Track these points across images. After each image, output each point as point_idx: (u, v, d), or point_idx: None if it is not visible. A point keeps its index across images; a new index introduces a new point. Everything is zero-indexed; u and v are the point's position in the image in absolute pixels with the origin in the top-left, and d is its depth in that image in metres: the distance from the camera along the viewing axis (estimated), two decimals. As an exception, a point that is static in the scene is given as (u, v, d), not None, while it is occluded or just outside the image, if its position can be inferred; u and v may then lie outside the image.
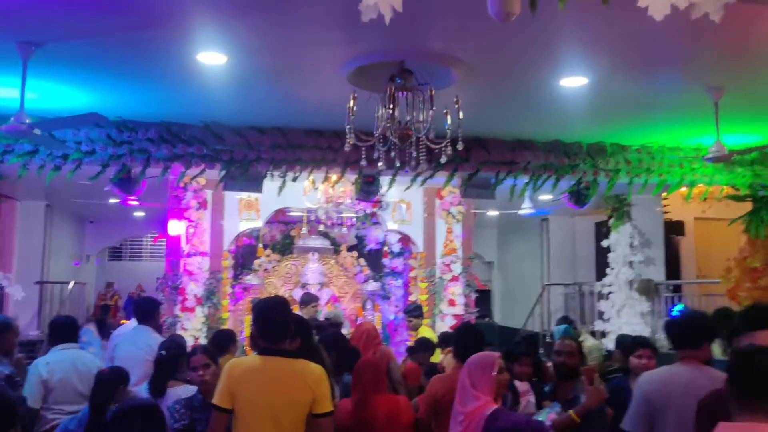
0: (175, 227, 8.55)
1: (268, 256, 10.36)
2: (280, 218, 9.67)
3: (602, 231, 11.95)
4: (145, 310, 5.55)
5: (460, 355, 4.48)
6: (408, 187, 6.48)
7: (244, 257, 10.54)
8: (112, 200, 7.46)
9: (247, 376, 3.36)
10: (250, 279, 10.06)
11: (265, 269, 10.38)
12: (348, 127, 4.25)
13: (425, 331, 7.44)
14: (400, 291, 10.68)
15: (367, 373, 4.39)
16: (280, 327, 3.47)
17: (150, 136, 5.98)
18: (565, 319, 7.44)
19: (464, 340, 4.52)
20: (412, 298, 9.21)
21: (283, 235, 10.51)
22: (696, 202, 11.75)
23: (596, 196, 7.06)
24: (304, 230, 8.91)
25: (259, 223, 8.77)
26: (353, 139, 4.21)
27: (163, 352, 4.26)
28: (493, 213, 11.84)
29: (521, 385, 4.41)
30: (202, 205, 8.57)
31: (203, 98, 5.61)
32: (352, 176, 6.74)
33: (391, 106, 4.21)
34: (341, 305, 10.30)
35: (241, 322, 9.90)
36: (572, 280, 11.81)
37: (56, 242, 11.53)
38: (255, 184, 6.31)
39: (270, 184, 8.83)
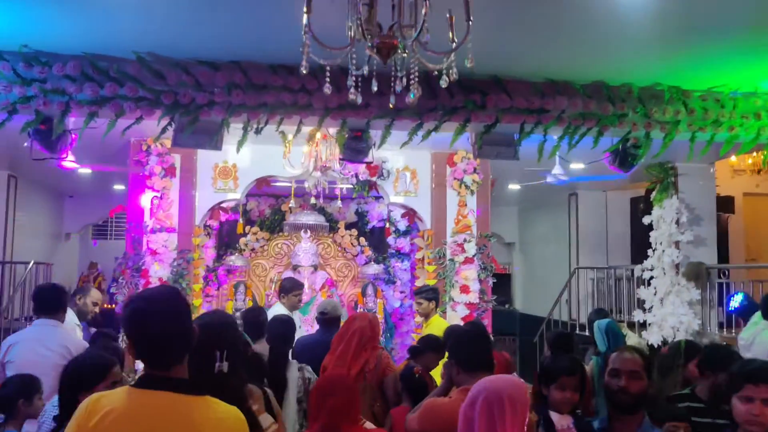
0: (140, 198, 7.13)
1: (255, 233, 8.90)
2: (266, 189, 8.20)
3: (639, 207, 10.37)
4: (51, 301, 4.13)
5: (465, 371, 3.03)
6: (405, 143, 4.94)
7: (229, 235, 9.10)
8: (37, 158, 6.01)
9: (104, 425, 1.92)
10: (233, 260, 8.63)
11: (252, 249, 8.94)
12: (305, 44, 2.64)
13: (437, 323, 5.97)
14: (406, 275, 9.20)
15: (339, 394, 2.98)
16: (161, 341, 2.03)
17: (68, 73, 4.52)
18: (600, 312, 5.91)
19: (470, 348, 3.07)
20: (419, 283, 7.72)
21: (273, 210, 9.04)
22: (747, 175, 10.16)
23: (644, 158, 5.48)
24: (293, 203, 7.45)
25: (236, 194, 7.31)
26: (307, 67, 2.62)
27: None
28: (514, 187, 10.28)
29: (560, 420, 2.90)
30: (169, 171, 7.13)
31: (138, 23, 4.16)
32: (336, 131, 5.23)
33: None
34: (338, 291, 8.84)
35: (223, 309, 8.47)
36: (604, 263, 10.24)
37: (27, 218, 10.18)
38: (209, 138, 4.84)
39: (251, 147, 7.40)
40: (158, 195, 7.10)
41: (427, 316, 6.07)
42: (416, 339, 6.04)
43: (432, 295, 6.09)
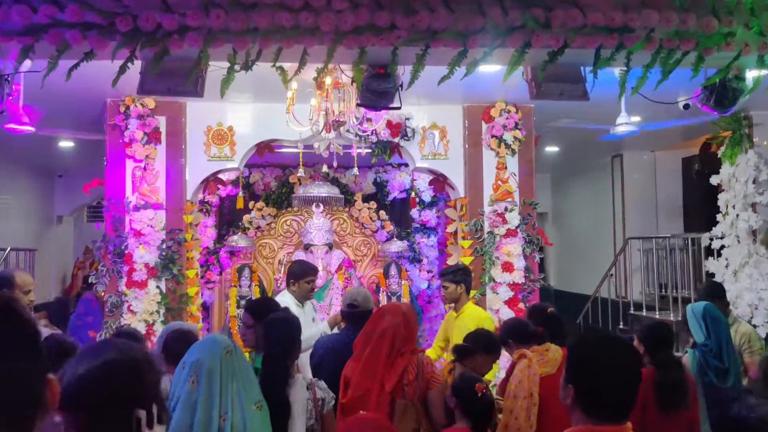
0: (119, 170, 5.92)
1: (260, 209, 7.70)
2: (270, 158, 6.98)
3: (693, 168, 9.05)
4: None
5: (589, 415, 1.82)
6: (444, 78, 3.66)
7: (231, 212, 7.91)
8: None
9: None
10: (236, 240, 7.43)
11: (258, 227, 7.74)
12: None
13: (471, 314, 4.74)
14: (433, 251, 7.98)
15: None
16: None
17: (-12, -8, 3.29)
18: (714, 290, 4.64)
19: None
20: (452, 261, 6.50)
21: (280, 182, 7.82)
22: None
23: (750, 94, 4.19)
24: (301, 172, 6.22)
25: (234, 163, 6.08)
26: None
27: None
28: (551, 149, 8.98)
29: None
30: (153, 137, 5.91)
31: None
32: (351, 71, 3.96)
33: None
34: (357, 272, 7.63)
35: (226, 296, 7.31)
36: (652, 232, 8.95)
37: (9, 200, 9.03)
38: (184, 80, 3.59)
39: (249, 105, 6.16)
40: (141, 165, 5.89)
41: (456, 302, 4.83)
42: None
43: (460, 277, 4.79)
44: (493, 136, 6.19)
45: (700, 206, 8.96)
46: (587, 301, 9.01)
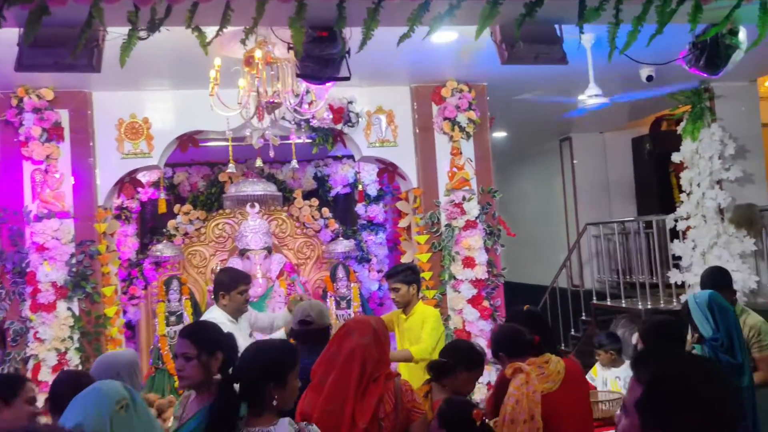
0: (16, 174, 4.99)
1: (187, 213, 6.83)
2: (195, 155, 6.14)
3: (643, 149, 8.67)
4: None
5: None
6: (404, 37, 2.97)
7: (155, 218, 7.00)
8: None
9: None
10: (160, 249, 6.54)
11: (186, 234, 6.87)
12: None
13: (422, 313, 4.17)
14: (382, 249, 7.30)
15: None
16: None
17: None
18: (719, 277, 4.09)
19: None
20: (405, 259, 5.83)
21: (208, 182, 6.97)
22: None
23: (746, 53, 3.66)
24: (231, 168, 5.40)
25: (152, 160, 5.23)
26: None
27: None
28: (498, 134, 8.43)
29: None
30: (54, 133, 4.99)
31: None
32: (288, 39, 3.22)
33: None
34: (300, 277, 6.86)
35: (153, 313, 6.43)
36: (607, 216, 8.53)
37: None
38: (72, 50, 2.78)
39: (168, 92, 5.32)
40: (41, 167, 4.98)
41: (407, 306, 4.23)
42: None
43: (411, 276, 4.24)
44: (445, 119, 5.54)
45: (654, 187, 8.60)
46: (543, 292, 8.51)
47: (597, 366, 4.97)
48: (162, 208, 5.67)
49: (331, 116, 5.35)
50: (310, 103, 5.17)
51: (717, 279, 3.98)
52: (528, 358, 2.98)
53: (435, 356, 4.15)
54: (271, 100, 4.05)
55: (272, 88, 4.07)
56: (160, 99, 5.23)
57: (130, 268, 6.72)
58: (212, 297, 6.47)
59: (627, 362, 4.85)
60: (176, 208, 6.80)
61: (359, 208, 7.25)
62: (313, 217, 7.04)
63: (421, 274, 5.47)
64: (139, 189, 6.23)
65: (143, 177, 6.80)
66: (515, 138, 8.80)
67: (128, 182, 5.32)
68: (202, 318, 4.04)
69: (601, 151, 8.88)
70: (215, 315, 3.93)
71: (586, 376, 5.06)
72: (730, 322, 3.46)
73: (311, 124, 5.38)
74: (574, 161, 8.84)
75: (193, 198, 6.86)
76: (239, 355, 2.59)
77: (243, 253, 6.52)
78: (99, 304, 4.99)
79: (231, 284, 3.97)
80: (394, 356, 3.97)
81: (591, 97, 4.57)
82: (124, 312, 6.63)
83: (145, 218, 7.00)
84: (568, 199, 8.98)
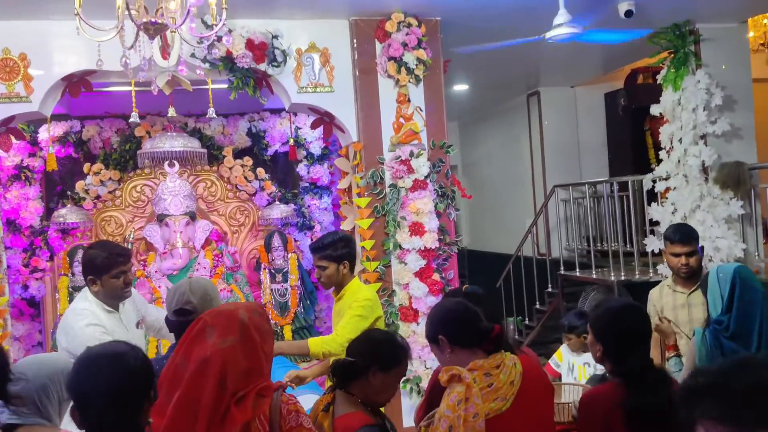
0: None
1: (98, 173, 5.86)
2: (107, 106, 5.16)
3: (617, 105, 7.86)
4: None
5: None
6: None
7: (65, 179, 6.03)
8: None
9: None
10: (64, 215, 5.59)
11: (98, 197, 5.91)
12: None
13: (353, 294, 3.26)
14: (327, 215, 6.42)
15: None
16: None
17: None
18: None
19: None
20: (345, 226, 4.95)
21: (123, 137, 5.98)
22: (756, 54, 7.72)
23: None
24: (134, 117, 4.44)
25: (31, 105, 4.24)
26: None
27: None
28: (459, 88, 7.53)
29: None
30: None
31: None
32: None
33: None
34: (229, 247, 5.96)
35: (55, 292, 5.51)
36: (576, 178, 7.74)
37: None
38: None
39: (48, 25, 4.31)
40: None
41: (338, 287, 3.31)
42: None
43: (341, 251, 3.24)
44: (390, 59, 4.62)
45: (628, 147, 7.82)
46: (507, 261, 7.72)
47: (563, 349, 4.18)
48: (51, 164, 4.68)
49: (251, 54, 4.40)
50: (220, 39, 4.22)
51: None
52: (477, 352, 2.14)
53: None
54: (153, 20, 3.10)
55: (157, 3, 3.12)
56: (42, 31, 4.22)
57: (33, 237, 5.77)
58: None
59: (599, 346, 4.07)
60: (85, 167, 5.84)
61: (301, 168, 6.34)
62: (246, 178, 6.13)
63: (362, 243, 4.62)
64: (47, 145, 5.23)
65: (46, 131, 5.84)
66: (478, 92, 7.93)
67: (3, 133, 4.32)
68: (69, 308, 3.12)
69: (572, 108, 8.04)
70: (84, 306, 3.02)
71: (550, 361, 4.26)
72: (754, 304, 2.65)
73: (236, 63, 4.42)
74: (543, 119, 7.99)
75: (104, 156, 5.88)
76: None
77: (161, 219, 5.60)
78: (-34, 281, 4.05)
79: (102, 267, 3.02)
80: (283, 348, 3.11)
81: (560, 26, 3.68)
82: (26, 287, 5.70)
83: (52, 179, 6.01)
84: (535, 159, 8.15)
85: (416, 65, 4.65)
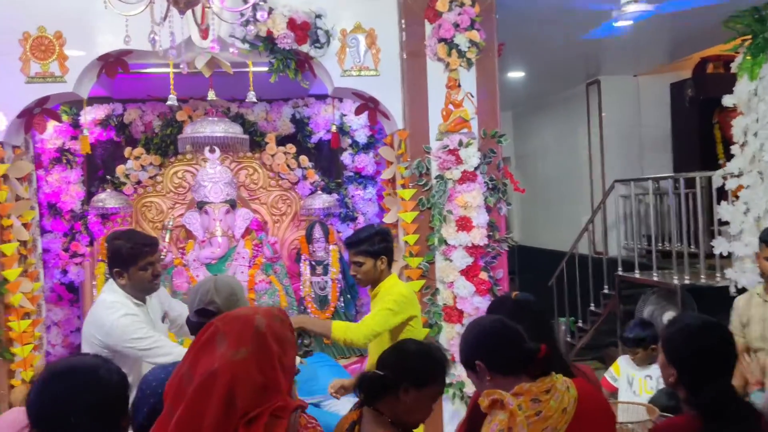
0: None
1: (138, 157, 5.73)
2: (149, 89, 5.00)
3: (684, 96, 7.35)
4: None
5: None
6: None
7: (106, 162, 5.92)
8: None
9: None
10: (103, 200, 5.48)
11: (138, 182, 5.78)
12: None
13: (387, 290, 3.01)
14: (372, 206, 6.14)
15: None
16: None
17: None
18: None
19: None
20: (388, 219, 4.67)
21: (164, 121, 5.83)
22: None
23: None
24: (172, 100, 4.27)
25: (66, 86, 4.08)
26: None
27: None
28: (515, 75, 7.15)
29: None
30: (-64, 49, 3.88)
31: None
32: None
33: None
34: (269, 237, 5.76)
35: (92, 279, 5.40)
36: (638, 173, 7.27)
37: None
38: None
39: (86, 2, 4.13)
40: None
41: (375, 284, 3.07)
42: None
43: (379, 246, 3.02)
44: (440, 40, 4.31)
45: (694, 140, 7.31)
46: (561, 259, 7.33)
47: (621, 361, 3.82)
48: (85, 148, 4.53)
49: (292, 35, 4.15)
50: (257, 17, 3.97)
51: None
52: (522, 378, 1.84)
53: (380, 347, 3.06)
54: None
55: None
56: (78, 8, 4.06)
57: (73, 221, 5.68)
58: (162, 257, 5.45)
59: (662, 357, 3.70)
60: (126, 151, 5.70)
61: (345, 157, 6.08)
62: (289, 166, 5.90)
63: (405, 237, 4.33)
64: (86, 126, 5.11)
65: (89, 114, 5.73)
66: (533, 80, 7.53)
67: (40, 113, 4.18)
68: (97, 301, 2.94)
69: (634, 98, 7.56)
70: (114, 299, 2.85)
71: (606, 375, 3.89)
72: None
73: (276, 44, 4.17)
74: (603, 109, 7.53)
75: (146, 140, 5.74)
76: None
77: (201, 206, 5.43)
78: (-6, 266, 3.93)
79: (128, 258, 2.83)
80: (305, 323, 2.85)
81: (629, 3, 3.30)
82: (65, 272, 5.62)
83: (95, 163, 5.90)
84: (593, 153, 7.71)
85: (468, 48, 4.32)
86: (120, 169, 5.65)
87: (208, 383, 1.56)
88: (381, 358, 2.04)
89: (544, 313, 2.29)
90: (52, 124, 5.63)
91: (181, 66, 3.14)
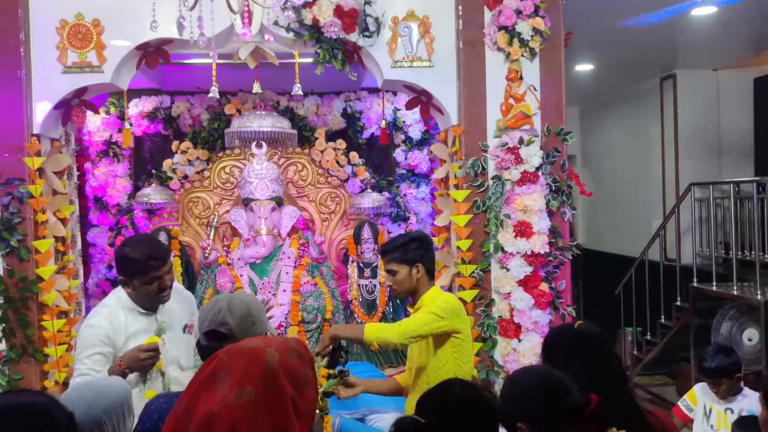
0: None
1: (185, 152, 5.54)
2: (198, 81, 4.79)
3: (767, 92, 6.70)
4: None
5: None
6: None
7: (154, 156, 5.77)
8: None
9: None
10: (148, 195, 5.31)
11: (185, 176, 5.60)
12: None
13: (437, 298, 2.70)
14: (425, 206, 5.80)
15: None
16: None
17: None
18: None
19: None
20: (440, 221, 4.31)
21: (212, 115, 5.62)
22: None
23: None
24: (214, 92, 4.02)
25: (104, 76, 3.88)
26: None
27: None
28: (583, 68, 6.66)
29: None
30: (-27, 38, 3.74)
31: None
32: None
33: None
34: (316, 236, 5.48)
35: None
36: (715, 176, 6.68)
37: None
38: None
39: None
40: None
41: (414, 295, 2.74)
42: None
43: (416, 252, 2.71)
44: (500, 28, 3.92)
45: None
46: (628, 266, 6.80)
47: (698, 389, 3.37)
48: (127, 141, 4.35)
49: (339, 23, 3.84)
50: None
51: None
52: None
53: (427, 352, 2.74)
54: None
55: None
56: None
57: (119, 216, 5.54)
58: (205, 255, 5.25)
59: (746, 391, 3.23)
60: (174, 145, 5.53)
61: (398, 154, 5.76)
62: (338, 162, 5.61)
63: (458, 242, 3.97)
64: (137, 120, 4.94)
65: (137, 106, 5.58)
66: (602, 74, 7.01)
67: (78, 105, 4.00)
68: (91, 318, 2.69)
69: (713, 94, 6.95)
70: (108, 303, 2.63)
71: (680, 403, 3.43)
72: None
73: (323, 33, 3.87)
74: (678, 106, 6.95)
75: (193, 134, 5.55)
76: None
77: (246, 203, 5.20)
78: (28, 263, 3.77)
79: (134, 270, 2.55)
80: (338, 331, 2.61)
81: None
82: (110, 267, 5.49)
83: (142, 157, 5.76)
84: (667, 153, 7.13)
85: (532, 36, 3.92)
86: (167, 164, 5.48)
87: (205, 430, 1.28)
88: (422, 402, 1.71)
89: (611, 349, 1.91)
90: (100, 116, 5.53)
91: (211, 54, 2.87)
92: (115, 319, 2.55)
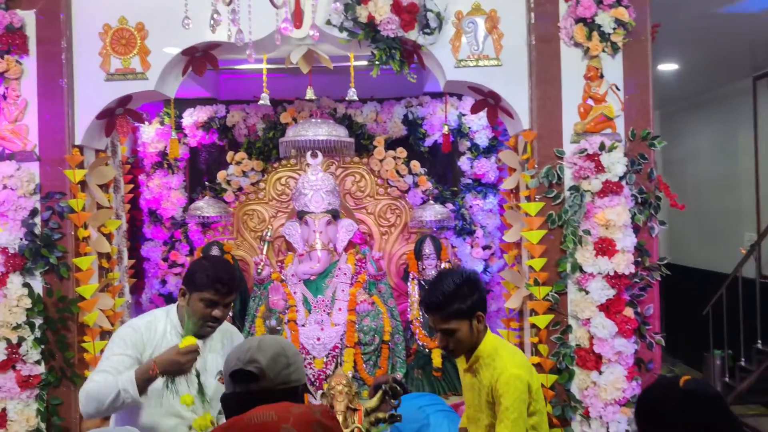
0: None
1: (239, 163, 5.28)
2: (254, 90, 4.54)
3: None
4: None
5: None
6: None
7: (210, 167, 5.55)
8: None
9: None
10: (201, 207, 5.07)
11: (240, 188, 5.34)
12: None
13: (494, 371, 2.25)
14: (493, 219, 5.35)
15: None
16: None
17: None
18: None
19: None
20: (509, 237, 3.86)
21: (267, 124, 5.34)
22: None
23: None
24: (264, 99, 3.69)
25: (148, 83, 3.62)
26: None
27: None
28: (667, 67, 6.07)
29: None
30: (16, 44, 3.55)
31: None
32: None
33: None
34: (374, 252, 5.10)
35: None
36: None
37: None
38: None
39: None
40: (-2, 91, 3.57)
41: (470, 350, 2.31)
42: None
43: (470, 301, 2.25)
44: (578, 21, 3.46)
45: None
46: (719, 283, 6.14)
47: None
48: (174, 152, 4.10)
49: (398, 20, 3.46)
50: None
51: None
52: None
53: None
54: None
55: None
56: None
57: (173, 229, 5.33)
58: (258, 271, 4.95)
59: None
60: (228, 155, 5.28)
61: (463, 162, 5.33)
62: (398, 172, 5.23)
63: (530, 261, 3.52)
64: (190, 131, 4.73)
65: (192, 116, 5.37)
66: (687, 74, 6.38)
67: (122, 114, 3.76)
68: (141, 319, 2.47)
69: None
70: (158, 313, 2.52)
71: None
72: None
73: (379, 31, 3.50)
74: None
75: (248, 144, 5.28)
76: None
77: (301, 216, 4.89)
78: (68, 281, 3.54)
79: (197, 283, 2.34)
80: None
81: None
82: (164, 282, 5.28)
83: (198, 168, 5.54)
84: (762, 159, 6.43)
85: (614, 29, 3.43)
86: (221, 175, 5.24)
87: None
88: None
89: (731, 416, 1.45)
90: (154, 127, 5.35)
91: (247, 52, 2.54)
92: (153, 328, 2.41)
